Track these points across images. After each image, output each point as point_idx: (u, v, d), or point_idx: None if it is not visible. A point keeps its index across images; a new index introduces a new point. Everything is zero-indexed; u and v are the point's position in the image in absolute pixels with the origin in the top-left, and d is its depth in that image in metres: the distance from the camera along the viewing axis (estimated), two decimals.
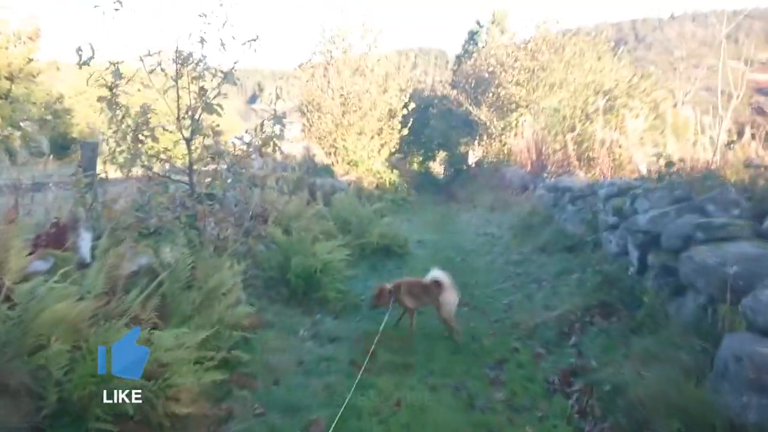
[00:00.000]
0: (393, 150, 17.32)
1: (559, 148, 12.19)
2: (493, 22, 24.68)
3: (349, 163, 15.85)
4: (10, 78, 23.61)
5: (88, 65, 4.01)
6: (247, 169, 5.17)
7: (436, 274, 5.16)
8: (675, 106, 11.56)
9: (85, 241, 4.16)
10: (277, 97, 5.32)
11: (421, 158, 27.40)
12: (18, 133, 21.72)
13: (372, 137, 16.30)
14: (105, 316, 3.17)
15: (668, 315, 4.08)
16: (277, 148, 5.24)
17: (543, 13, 18.07)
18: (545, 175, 11.27)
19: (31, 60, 23.59)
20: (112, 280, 3.64)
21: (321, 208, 8.10)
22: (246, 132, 5.23)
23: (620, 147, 10.08)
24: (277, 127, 5.20)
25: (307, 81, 16.63)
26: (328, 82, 16.17)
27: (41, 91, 25.45)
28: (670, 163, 6.02)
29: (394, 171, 17.40)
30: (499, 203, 12.33)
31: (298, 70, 16.91)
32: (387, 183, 16.62)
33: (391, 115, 16.75)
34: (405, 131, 16.87)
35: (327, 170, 13.16)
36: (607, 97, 10.92)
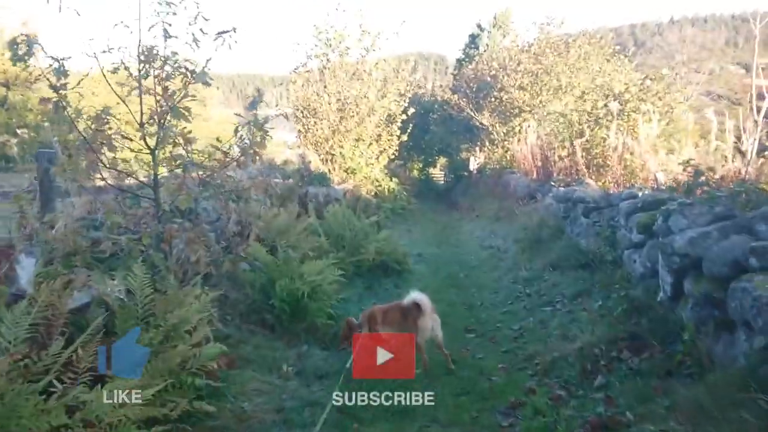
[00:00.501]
0: (392, 156, 16.71)
1: (566, 155, 11.59)
2: (494, 26, 24.13)
3: (346, 171, 15.23)
4: (6, 85, 23.18)
5: (25, 62, 3.40)
6: (224, 181, 4.54)
7: (415, 296, 4.53)
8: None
9: (25, 269, 3.53)
10: (260, 100, 4.68)
11: (421, 165, 26.89)
12: (15, 140, 21.39)
13: (370, 144, 15.70)
14: (26, 371, 2.55)
15: (713, 355, 3.45)
16: (257, 157, 4.61)
17: (546, 14, 17.39)
18: (552, 183, 10.65)
19: (27, 66, 23.04)
20: (48, 319, 3.01)
21: (312, 221, 7.47)
22: (218, 140, 4.58)
23: (631, 154, 9.47)
24: (259, 135, 4.57)
25: (302, 85, 16.03)
26: (325, 86, 15.57)
27: (38, 98, 24.93)
28: (698, 172, 5.40)
29: (393, 179, 16.79)
30: (504, 213, 11.70)
31: (293, 74, 16.29)
32: (386, 191, 16.01)
33: (390, 120, 16.15)
34: (404, 137, 16.26)
35: (322, 178, 12.54)
36: (617, 101, 10.31)
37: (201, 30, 3.93)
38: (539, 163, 13.10)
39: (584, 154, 10.61)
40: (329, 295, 5.52)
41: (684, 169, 5.73)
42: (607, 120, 10.65)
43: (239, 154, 4.62)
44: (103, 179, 4.19)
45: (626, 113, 10.27)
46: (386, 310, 4.69)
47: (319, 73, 15.68)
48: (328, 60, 15.64)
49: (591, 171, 10.62)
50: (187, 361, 3.42)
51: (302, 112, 15.86)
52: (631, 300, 4.59)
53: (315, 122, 15.46)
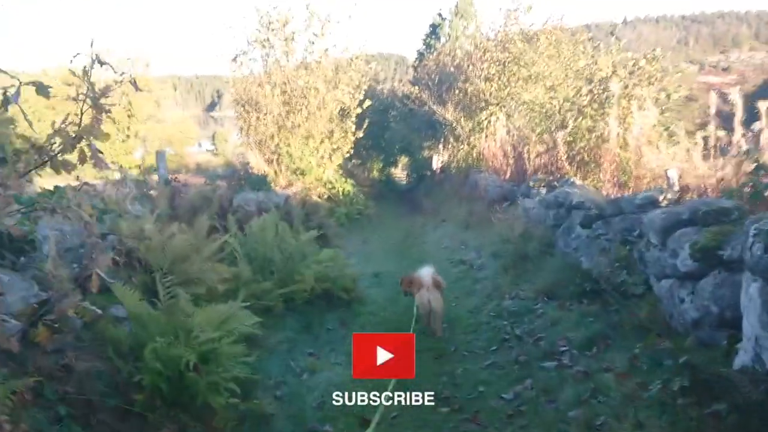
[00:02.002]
0: (347, 155, 14.90)
1: (544, 150, 10.06)
2: (456, 14, 22.57)
3: (294, 172, 13.33)
4: None
5: None
6: (20, 191, 2.68)
7: (422, 270, 5.45)
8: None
9: None
10: (99, 63, 2.85)
11: (381, 164, 25.20)
12: None
13: (322, 141, 13.84)
14: None
15: None
16: (87, 154, 2.77)
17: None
18: (531, 183, 9.09)
19: None
20: None
21: (231, 240, 5.62)
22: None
23: (621, 147, 7.99)
24: (90, 115, 2.74)
25: (245, 76, 14.04)
26: (269, 76, 13.66)
27: None
28: (761, 168, 3.84)
29: (349, 180, 14.99)
30: (475, 218, 10.07)
31: (233, 64, 14.25)
32: (340, 194, 14.19)
33: (344, 114, 14.35)
34: (360, 133, 14.46)
35: (260, 181, 10.63)
36: (620, 82, 8.78)
37: None
38: (512, 161, 11.57)
39: (566, 148, 9.10)
40: (233, 360, 3.69)
41: (739, 167, 4.16)
42: (592, 108, 9.15)
43: (58, 147, 2.76)
44: None
45: (615, 99, 8.77)
46: (412, 277, 5.45)
47: (262, 62, 13.75)
48: (271, 46, 13.70)
49: (574, 168, 9.13)
50: None
51: (243, 106, 13.90)
52: (693, 368, 2.94)
53: (258, 117, 13.52)
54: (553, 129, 9.72)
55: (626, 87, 9.15)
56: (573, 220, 5.86)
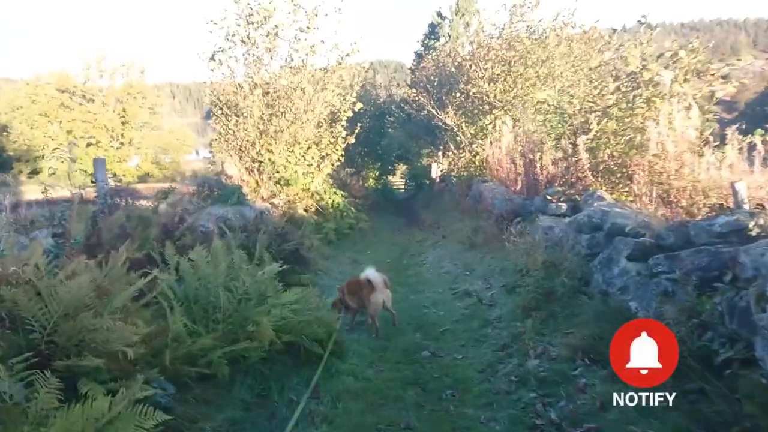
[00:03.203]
0: (337, 163, 13.50)
1: (561, 157, 8.68)
2: (457, 13, 21.27)
3: (278, 182, 11.93)
4: None
5: None
6: None
7: (368, 272, 5.44)
8: None
9: None
10: None
11: (377, 173, 23.86)
12: None
13: (309, 147, 12.48)
14: None
15: None
16: None
17: None
18: (548, 196, 7.70)
19: None
20: None
21: (165, 277, 4.19)
22: None
23: (656, 155, 6.63)
24: None
25: (222, 75, 12.63)
26: (251, 76, 12.29)
27: None
28: None
29: (339, 191, 13.60)
30: (482, 237, 8.68)
31: (211, 63, 12.82)
32: (330, 206, 12.82)
33: (334, 118, 12.99)
34: (351, 139, 13.07)
35: (233, 193, 9.23)
36: (669, 69, 7.43)
37: None
38: (521, 170, 10.19)
39: (589, 156, 7.73)
40: None
41: None
42: (619, 109, 7.79)
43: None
44: None
45: (645, 98, 7.42)
46: (350, 282, 5.63)
47: (242, 58, 12.37)
48: (253, 43, 12.32)
49: (598, 179, 7.78)
50: None
51: (221, 109, 12.50)
52: None
53: (237, 122, 12.12)
54: (571, 133, 8.38)
55: (656, 85, 7.79)
56: (616, 250, 4.46)
